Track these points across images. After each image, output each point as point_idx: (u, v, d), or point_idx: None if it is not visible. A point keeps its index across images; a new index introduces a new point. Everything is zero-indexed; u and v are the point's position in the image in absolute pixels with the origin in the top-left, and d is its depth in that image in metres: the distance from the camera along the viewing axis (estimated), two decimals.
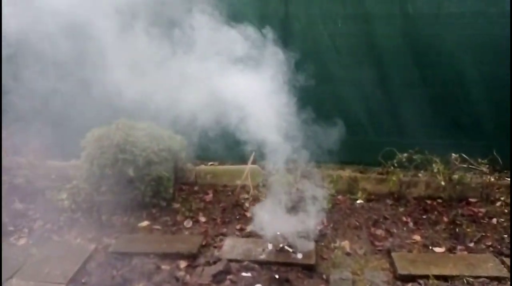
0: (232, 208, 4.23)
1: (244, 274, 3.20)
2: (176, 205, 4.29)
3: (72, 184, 4.60)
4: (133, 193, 4.08)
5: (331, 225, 3.86)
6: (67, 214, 4.19)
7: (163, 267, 3.39)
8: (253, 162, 4.63)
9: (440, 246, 3.53)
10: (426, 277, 3.10)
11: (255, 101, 3.53)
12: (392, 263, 3.32)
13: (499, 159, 4.09)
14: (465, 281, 3.04)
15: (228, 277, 3.18)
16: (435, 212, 4.05)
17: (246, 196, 4.40)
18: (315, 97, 4.03)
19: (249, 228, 3.89)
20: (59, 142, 5.16)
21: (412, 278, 3.13)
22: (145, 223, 4.04)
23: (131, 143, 3.89)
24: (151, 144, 4.02)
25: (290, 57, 3.50)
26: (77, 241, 3.83)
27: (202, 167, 4.91)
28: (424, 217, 3.99)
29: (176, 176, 4.52)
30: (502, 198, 4.02)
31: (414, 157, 4.23)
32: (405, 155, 4.26)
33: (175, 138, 4.42)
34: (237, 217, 4.09)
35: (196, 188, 4.69)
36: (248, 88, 3.50)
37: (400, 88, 4.44)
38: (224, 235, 3.81)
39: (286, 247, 3.50)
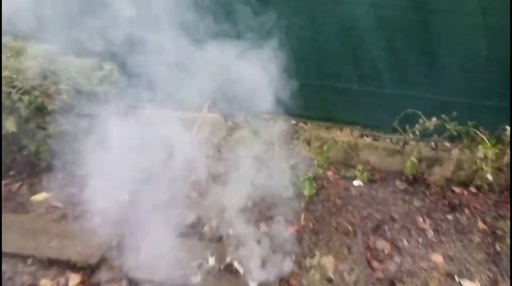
0: (171, 181, 2.91)
1: None
2: None
3: None
4: (22, 152, 2.73)
5: (311, 225, 2.58)
6: None
7: (41, 283, 2.18)
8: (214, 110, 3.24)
9: (471, 278, 2.30)
10: None
11: None
12: None
13: None
14: None
15: None
16: (466, 211, 2.75)
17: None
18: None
19: (189, 219, 2.63)
20: None
21: None
22: (41, 196, 2.82)
23: (8, 79, 2.44)
24: (44, 82, 2.56)
25: None
26: None
27: (141, 111, 3.46)
28: (450, 218, 2.70)
29: None
30: None
31: (448, 126, 2.81)
32: (434, 120, 2.84)
33: (95, 70, 2.95)
34: (176, 197, 2.78)
35: None
36: None
37: (442, 15, 2.82)
38: (147, 229, 2.54)
39: (236, 264, 2.27)
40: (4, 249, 2.34)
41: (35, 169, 2.90)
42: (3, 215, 2.60)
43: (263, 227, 2.47)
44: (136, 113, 3.32)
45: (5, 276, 2.22)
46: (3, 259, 2.30)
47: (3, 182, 2.87)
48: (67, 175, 2.90)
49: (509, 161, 2.73)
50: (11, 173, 2.97)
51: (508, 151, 2.71)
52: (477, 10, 2.76)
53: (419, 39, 2.94)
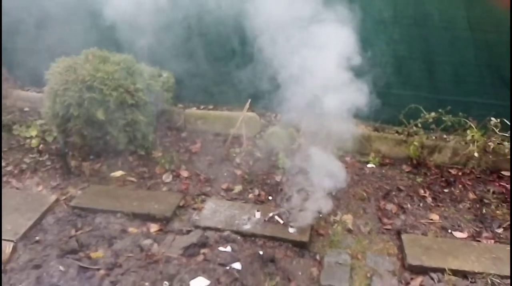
0: (220, 163, 3.63)
1: (222, 248, 2.67)
2: (157, 154, 3.69)
3: (44, 120, 4.05)
4: (105, 137, 3.48)
5: (333, 193, 3.25)
6: (33, 156, 3.68)
7: (129, 230, 2.89)
8: (251, 109, 3.95)
9: (461, 231, 2.93)
10: (441, 270, 2.54)
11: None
12: (401, 248, 2.75)
13: None
14: (489, 281, 2.47)
15: (202, 251, 2.67)
16: (460, 186, 3.39)
17: (238, 149, 3.77)
18: None
19: (236, 189, 3.33)
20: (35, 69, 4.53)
21: (424, 270, 2.58)
22: (118, 173, 3.51)
23: (100, 79, 3.20)
24: (125, 82, 3.33)
25: None
26: (38, 189, 3.33)
27: (194, 110, 4.23)
28: (446, 190, 3.34)
29: (159, 120, 3.88)
30: None
31: (444, 117, 3.48)
32: (433, 114, 3.52)
33: (158, 76, 3.72)
34: (225, 174, 3.50)
35: (183, 135, 4.07)
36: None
37: (438, 29, 3.53)
38: (206, 195, 3.26)
39: (277, 217, 2.94)
40: (97, 207, 3.07)
41: (113, 152, 3.63)
42: (93, 185, 3.35)
43: (295, 194, 3.12)
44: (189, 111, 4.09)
45: (101, 226, 2.93)
46: (101, 215, 3.00)
47: (85, 163, 3.62)
48: (139, 157, 3.66)
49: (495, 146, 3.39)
50: (91, 157, 3.72)
51: (493, 138, 3.37)
52: (466, 26, 3.48)
53: (421, 49, 3.66)
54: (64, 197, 3.21)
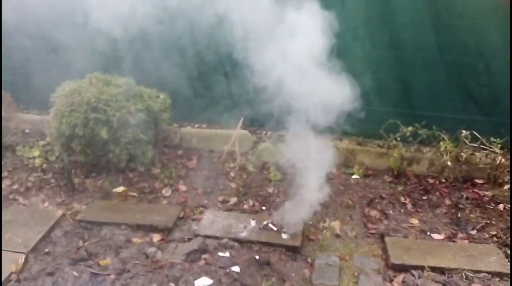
0: (216, 177, 3.89)
1: (221, 254, 2.90)
2: (156, 171, 3.93)
3: (46, 140, 4.26)
4: (107, 155, 3.71)
5: (322, 202, 3.51)
6: (37, 174, 3.87)
7: (134, 240, 3.10)
8: (243, 127, 4.24)
9: (439, 233, 3.21)
10: (421, 268, 2.81)
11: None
12: (385, 249, 3.02)
13: None
14: (463, 275, 2.74)
15: (203, 256, 2.89)
16: (437, 193, 3.70)
17: (232, 164, 4.04)
18: None
19: (232, 201, 3.57)
20: (36, 92, 4.78)
21: (406, 268, 2.84)
22: (120, 189, 3.70)
23: (104, 101, 3.46)
24: (127, 103, 3.59)
25: None
26: (44, 205, 3.53)
27: (188, 129, 4.50)
28: (425, 198, 3.64)
29: (157, 138, 4.13)
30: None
31: (420, 131, 3.82)
32: (410, 128, 3.85)
33: (156, 97, 3.99)
34: (221, 187, 3.75)
35: (180, 152, 4.32)
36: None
37: (412, 52, 3.91)
38: (204, 207, 3.50)
39: (271, 225, 3.19)
40: (102, 220, 3.28)
41: (114, 169, 3.86)
42: (97, 200, 3.55)
43: (287, 204, 3.37)
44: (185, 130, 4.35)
45: (107, 237, 3.13)
46: (106, 228, 3.20)
47: (88, 180, 3.83)
48: (139, 173, 3.89)
49: (468, 156, 3.74)
50: (93, 174, 3.93)
51: (465, 149, 3.71)
52: (436, 49, 3.87)
53: (397, 70, 4.03)
54: (70, 212, 3.41)
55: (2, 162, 4.01)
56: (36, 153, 4.18)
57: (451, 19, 3.73)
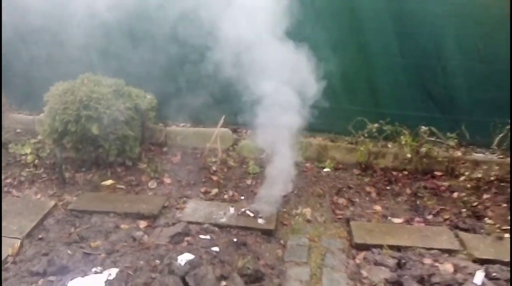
0: (198, 171, 4.20)
1: (202, 236, 3.20)
2: (142, 165, 4.22)
3: (37, 138, 4.51)
4: (97, 151, 3.99)
5: (295, 192, 3.86)
6: (29, 170, 4.12)
7: (122, 226, 3.37)
8: (224, 125, 4.56)
9: (398, 217, 3.58)
10: (381, 246, 3.16)
11: None
12: (349, 232, 3.37)
13: (467, 134, 4.11)
14: (417, 252, 3.10)
15: (186, 238, 3.18)
16: (399, 184, 4.08)
17: (213, 159, 4.36)
18: None
19: (213, 192, 3.88)
20: (27, 95, 5.03)
21: (367, 247, 3.19)
22: (109, 182, 3.98)
23: (95, 99, 3.75)
24: (117, 102, 3.88)
25: None
26: (37, 197, 3.78)
27: (173, 128, 4.81)
28: (388, 188, 4.02)
29: (144, 135, 4.43)
30: (466, 173, 4.03)
31: (384, 127, 4.21)
32: (376, 125, 4.24)
33: (143, 97, 4.29)
34: (203, 180, 4.06)
35: (165, 149, 4.62)
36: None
37: (378, 56, 4.31)
38: (187, 197, 3.80)
39: (248, 212, 3.50)
40: (92, 209, 3.55)
41: (103, 163, 4.13)
42: (87, 192, 3.82)
43: (262, 191, 3.69)
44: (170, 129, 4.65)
45: (97, 224, 3.40)
46: (96, 216, 3.47)
47: (78, 174, 4.09)
48: (126, 168, 4.17)
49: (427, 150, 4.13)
50: (83, 169, 4.20)
51: (425, 143, 4.11)
52: (399, 53, 4.27)
53: (364, 72, 4.42)
54: (61, 203, 3.67)
55: None
56: (28, 150, 4.42)
57: (413, 26, 4.13)
